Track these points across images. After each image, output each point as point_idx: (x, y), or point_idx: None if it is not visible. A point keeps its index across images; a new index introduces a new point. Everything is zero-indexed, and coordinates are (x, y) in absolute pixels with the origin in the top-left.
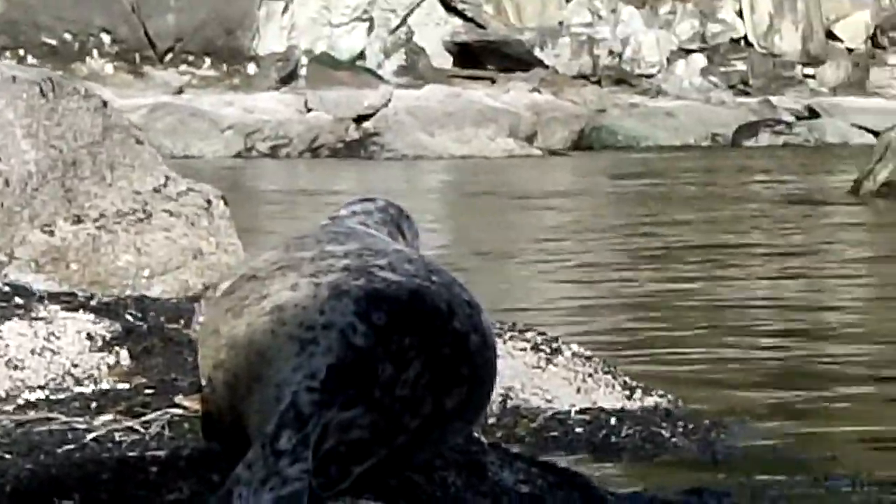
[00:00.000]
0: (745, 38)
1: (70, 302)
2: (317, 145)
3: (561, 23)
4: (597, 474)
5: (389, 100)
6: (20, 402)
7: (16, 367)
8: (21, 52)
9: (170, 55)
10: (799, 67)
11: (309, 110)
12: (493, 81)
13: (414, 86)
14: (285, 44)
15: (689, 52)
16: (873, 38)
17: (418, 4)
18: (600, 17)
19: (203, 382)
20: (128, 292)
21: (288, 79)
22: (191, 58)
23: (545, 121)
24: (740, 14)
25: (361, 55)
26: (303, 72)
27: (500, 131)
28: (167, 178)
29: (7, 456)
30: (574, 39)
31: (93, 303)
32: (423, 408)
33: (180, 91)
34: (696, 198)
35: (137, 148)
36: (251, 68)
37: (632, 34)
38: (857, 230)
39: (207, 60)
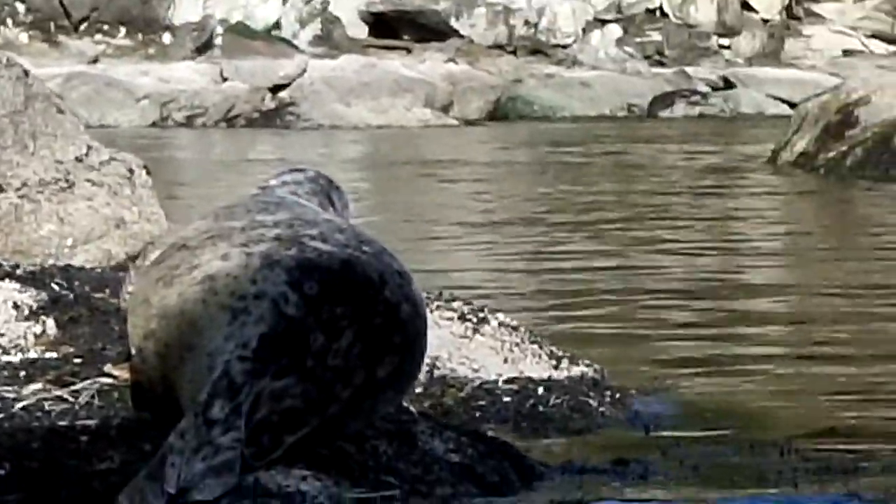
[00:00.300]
0: (661, 8)
1: None
2: (233, 115)
3: None
4: (525, 444)
5: (305, 69)
6: None
7: None
8: None
9: (85, 24)
10: (714, 38)
11: (225, 80)
12: (409, 51)
13: (329, 56)
14: (201, 13)
15: (605, 22)
16: (788, 9)
17: None
18: None
19: (133, 352)
20: (51, 261)
21: (203, 48)
22: (106, 27)
23: (461, 91)
24: None
25: (277, 25)
26: (218, 41)
27: (416, 101)
28: (89, 147)
29: None
30: (489, 9)
31: (18, 272)
32: (355, 377)
33: (95, 60)
34: (613, 167)
35: (59, 117)
36: (166, 38)
37: (547, 4)
38: (775, 199)
39: (122, 30)
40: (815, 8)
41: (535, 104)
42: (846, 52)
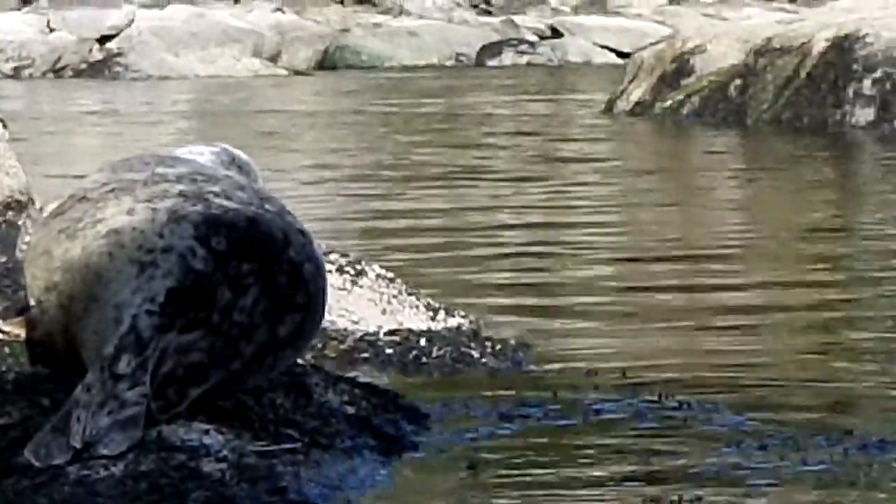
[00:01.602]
0: None
1: None
2: (60, 66)
3: None
4: (413, 395)
5: (133, 20)
6: None
7: None
8: None
9: None
10: None
11: (52, 31)
12: (237, 1)
13: (157, 5)
14: None
15: None
16: None
17: None
18: None
19: (32, 303)
20: None
21: None
22: None
23: (289, 40)
24: None
25: None
26: None
27: (245, 51)
28: None
29: None
30: None
31: None
32: (259, 334)
33: None
34: (440, 117)
35: None
36: None
37: None
38: (612, 145)
39: None
40: None
41: (362, 54)
42: (672, 1)
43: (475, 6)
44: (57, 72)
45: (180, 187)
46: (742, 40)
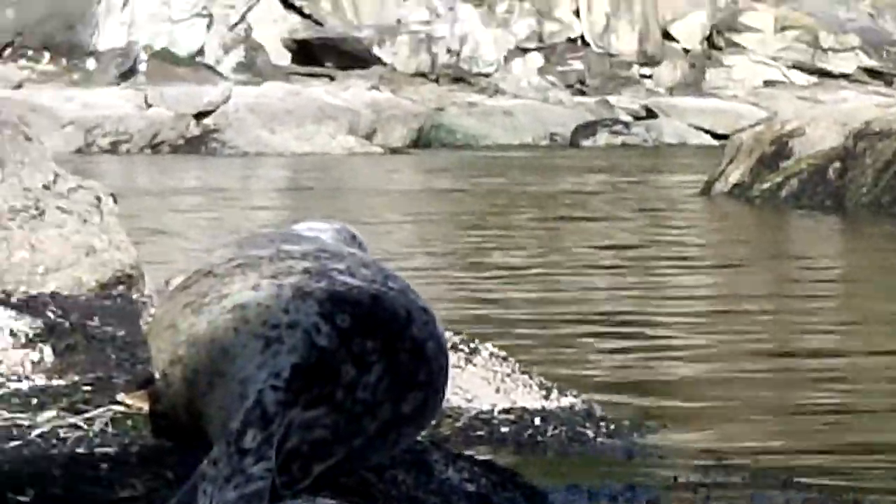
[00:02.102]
0: (582, 37)
1: None
2: (157, 141)
3: (399, 20)
4: (529, 473)
5: (229, 96)
6: None
7: None
8: None
9: (9, 50)
10: (636, 67)
11: (149, 106)
12: (332, 79)
13: (253, 83)
14: (125, 39)
15: (527, 51)
16: (709, 39)
17: (257, 1)
18: (438, 15)
19: (156, 376)
20: (22, 289)
21: (128, 74)
22: (30, 52)
23: (384, 118)
24: (577, 13)
25: (201, 51)
26: (142, 67)
27: (340, 129)
28: (56, 174)
29: None
30: (412, 37)
31: (12, 300)
32: (382, 412)
33: (19, 86)
34: (539, 195)
35: (26, 145)
36: (91, 63)
37: (469, 32)
38: (713, 229)
39: (47, 55)
40: (736, 38)
41: (457, 132)
42: (767, 83)
43: (570, 86)
44: (154, 147)
45: (305, 264)
46: (840, 123)
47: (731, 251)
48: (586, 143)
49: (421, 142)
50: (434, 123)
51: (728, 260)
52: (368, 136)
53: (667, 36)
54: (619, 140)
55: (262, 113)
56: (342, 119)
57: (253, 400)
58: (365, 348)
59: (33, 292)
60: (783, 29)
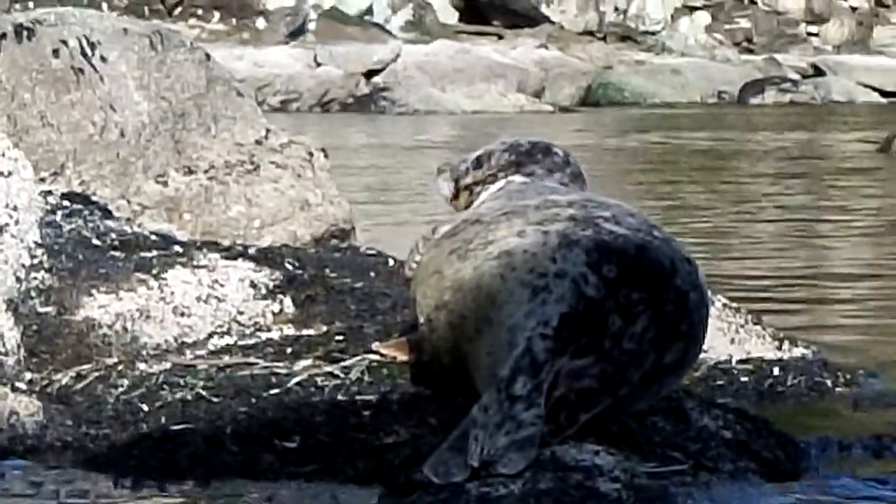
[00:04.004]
0: None
1: (229, 250)
2: (327, 100)
3: None
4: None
5: (398, 55)
6: (211, 347)
7: (182, 314)
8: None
9: (179, 9)
10: (803, 25)
11: (318, 65)
12: (500, 37)
13: (421, 41)
14: None
15: (693, 9)
16: None
17: None
18: None
19: (421, 321)
20: (239, 242)
21: (297, 33)
22: (200, 11)
23: (553, 77)
24: None
25: (369, 10)
26: (311, 26)
27: (510, 87)
28: (268, 130)
29: (216, 399)
30: None
31: (251, 251)
32: (646, 361)
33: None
34: (718, 152)
35: (238, 100)
36: (260, 22)
37: None
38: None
39: (217, 14)
40: None
41: (625, 90)
42: None
43: (737, 44)
44: (324, 105)
45: (571, 211)
46: None
47: None
48: (754, 100)
49: (589, 100)
50: (602, 82)
51: None
52: (537, 95)
53: None
54: (787, 98)
55: (432, 71)
56: (511, 77)
57: (522, 347)
58: (631, 299)
59: (256, 245)
60: None
